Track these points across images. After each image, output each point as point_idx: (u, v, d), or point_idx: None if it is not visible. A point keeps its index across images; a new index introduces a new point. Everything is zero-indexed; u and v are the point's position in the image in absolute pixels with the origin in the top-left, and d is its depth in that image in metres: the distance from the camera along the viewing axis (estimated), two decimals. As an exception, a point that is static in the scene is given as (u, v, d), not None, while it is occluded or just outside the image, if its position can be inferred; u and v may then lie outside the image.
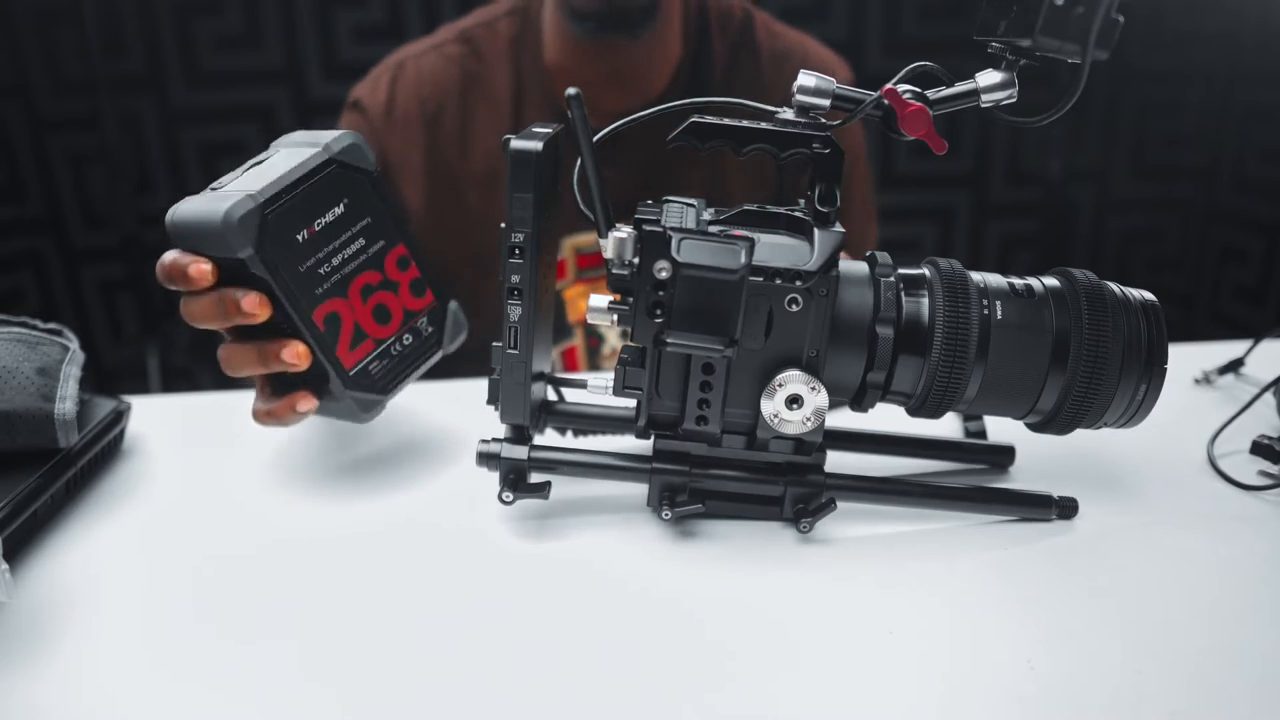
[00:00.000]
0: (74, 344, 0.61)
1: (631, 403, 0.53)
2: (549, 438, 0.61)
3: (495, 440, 0.53)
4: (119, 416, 0.63)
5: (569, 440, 0.61)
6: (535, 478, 0.54)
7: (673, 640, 0.45)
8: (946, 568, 0.50)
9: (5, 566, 0.45)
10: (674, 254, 0.46)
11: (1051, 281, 0.51)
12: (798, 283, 0.47)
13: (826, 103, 0.49)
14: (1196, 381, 0.72)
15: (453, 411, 0.69)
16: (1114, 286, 0.51)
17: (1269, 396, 0.66)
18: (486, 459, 0.53)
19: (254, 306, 0.51)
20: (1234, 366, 0.73)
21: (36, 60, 1.72)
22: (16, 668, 0.44)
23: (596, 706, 0.41)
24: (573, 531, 0.54)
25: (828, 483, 0.53)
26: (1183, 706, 0.40)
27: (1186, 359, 0.72)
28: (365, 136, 0.93)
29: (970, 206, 1.86)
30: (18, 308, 1.89)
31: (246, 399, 0.76)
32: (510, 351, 0.50)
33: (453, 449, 0.64)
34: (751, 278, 0.47)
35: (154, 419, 0.70)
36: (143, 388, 1.79)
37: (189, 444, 0.67)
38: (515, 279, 0.49)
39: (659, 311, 0.47)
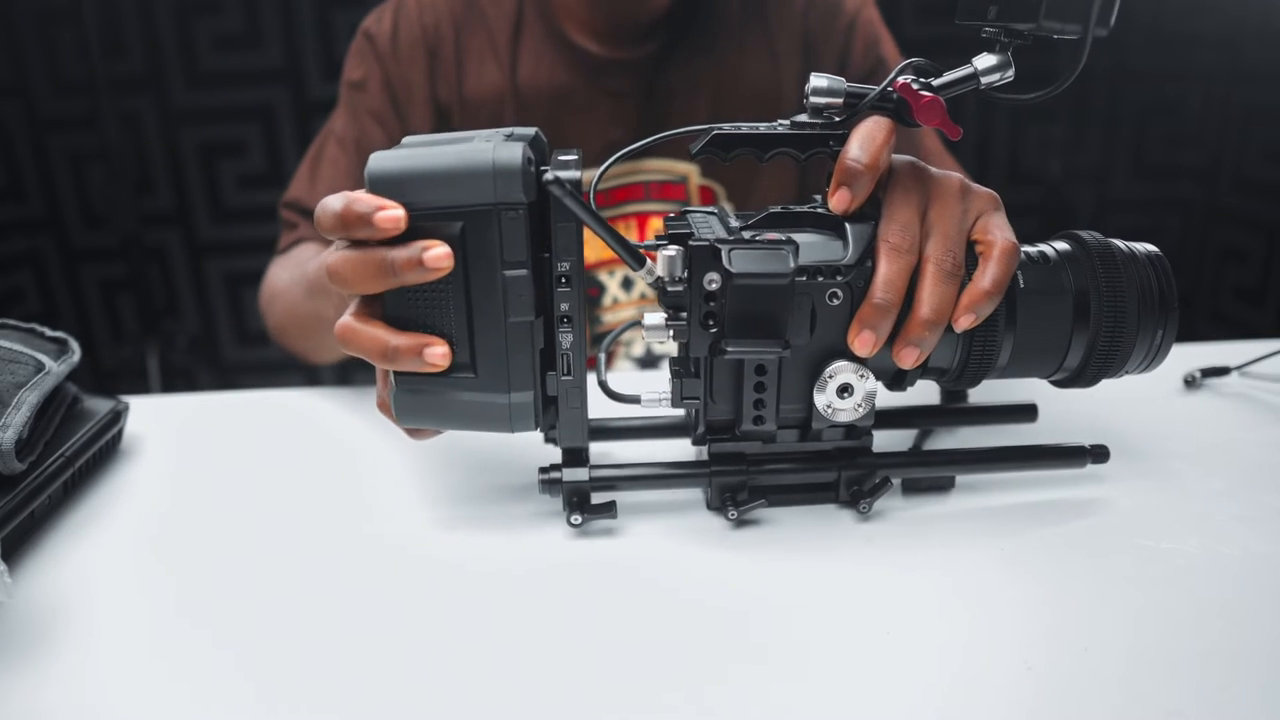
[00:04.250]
0: (53, 363, 0.59)
1: (656, 411, 0.55)
2: (602, 454, 0.61)
3: (555, 466, 0.53)
4: (117, 416, 0.63)
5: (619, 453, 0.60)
6: (597, 497, 0.54)
7: (677, 635, 0.45)
8: (942, 570, 0.50)
9: (4, 566, 0.45)
10: (726, 265, 0.47)
11: (1062, 245, 0.53)
12: (837, 277, 0.49)
13: (840, 101, 0.49)
14: (1187, 383, 0.72)
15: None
16: (1119, 243, 0.53)
17: (1271, 397, 0.66)
18: (549, 485, 0.53)
19: (442, 259, 0.45)
20: (1220, 372, 0.72)
21: (36, 60, 1.72)
22: (15, 668, 0.44)
23: (588, 702, 0.41)
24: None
25: (878, 462, 0.55)
26: (1181, 706, 0.40)
27: (1181, 359, 0.72)
28: (375, 69, 0.92)
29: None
30: (18, 308, 1.89)
31: (246, 399, 0.77)
32: (565, 378, 0.50)
33: (453, 443, 0.64)
34: (795, 278, 0.48)
35: (153, 419, 0.70)
36: (143, 388, 1.79)
37: (188, 444, 0.67)
38: (565, 307, 0.49)
39: (712, 322, 0.49)
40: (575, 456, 0.53)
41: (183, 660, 0.44)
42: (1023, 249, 0.52)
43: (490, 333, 0.48)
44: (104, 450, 0.62)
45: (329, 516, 0.57)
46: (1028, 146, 1.88)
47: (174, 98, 1.76)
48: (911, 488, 0.57)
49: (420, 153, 0.46)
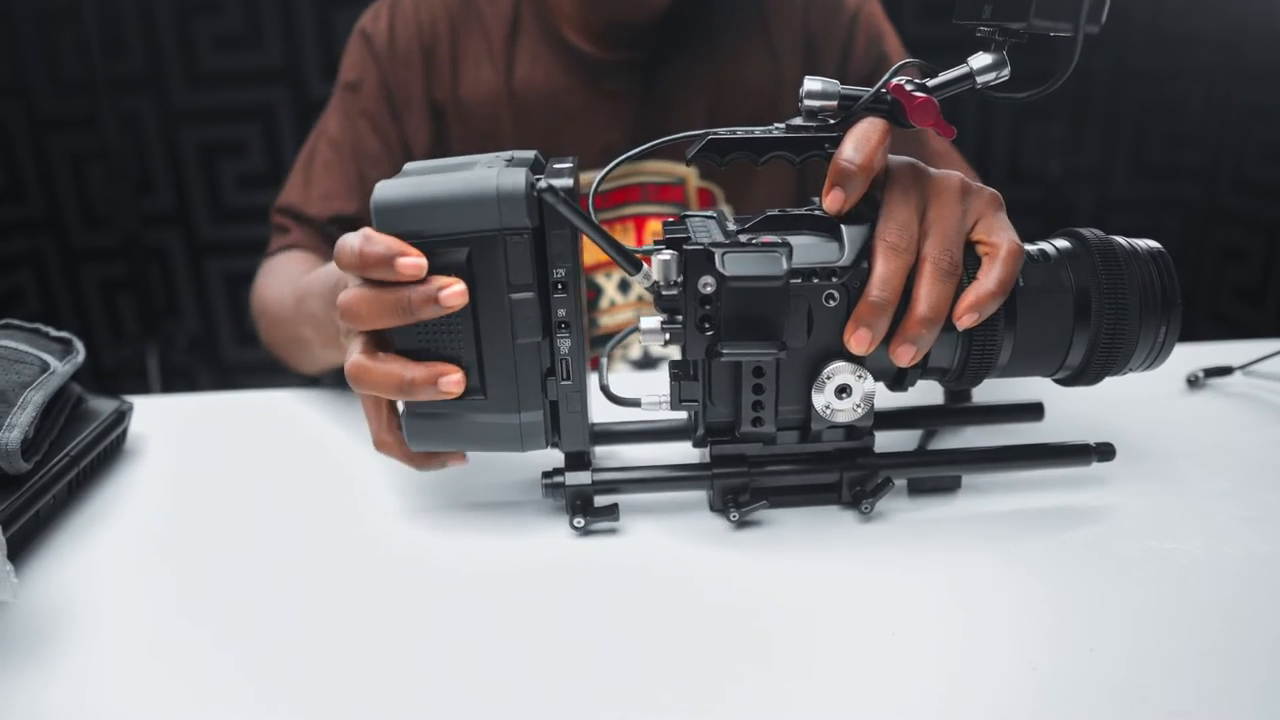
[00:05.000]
0: (58, 363, 0.59)
1: (660, 415, 0.55)
2: (605, 456, 0.61)
3: (557, 470, 0.53)
4: (121, 417, 0.63)
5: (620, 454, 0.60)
6: (600, 500, 0.54)
7: (679, 635, 0.45)
8: (946, 571, 0.50)
9: (9, 566, 0.45)
10: (719, 268, 0.47)
11: (1062, 243, 0.54)
12: (833, 279, 0.49)
13: (834, 104, 0.50)
14: (1190, 383, 0.72)
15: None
16: (1121, 239, 0.53)
17: (1272, 396, 0.66)
18: (552, 489, 0.53)
19: (457, 297, 0.46)
20: (1223, 372, 0.72)
21: (36, 60, 1.72)
22: (20, 667, 0.44)
23: (589, 702, 0.41)
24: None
25: (880, 463, 0.54)
26: (1182, 706, 0.40)
27: (1184, 359, 0.72)
28: (371, 70, 0.91)
29: (970, 206, 1.86)
30: (18, 308, 1.89)
31: (246, 399, 0.77)
32: (565, 383, 0.50)
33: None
34: (790, 280, 0.48)
35: (154, 419, 0.70)
36: (143, 388, 1.79)
37: (190, 444, 0.67)
38: (561, 313, 0.49)
39: (708, 325, 0.49)
40: (577, 460, 0.53)
41: (185, 660, 0.44)
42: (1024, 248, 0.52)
43: (499, 355, 0.49)
44: (108, 450, 0.62)
45: (330, 517, 0.57)
46: (1028, 146, 1.88)
47: (174, 98, 1.76)
48: (917, 489, 0.57)
49: (424, 180, 0.47)
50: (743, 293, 0.47)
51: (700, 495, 0.57)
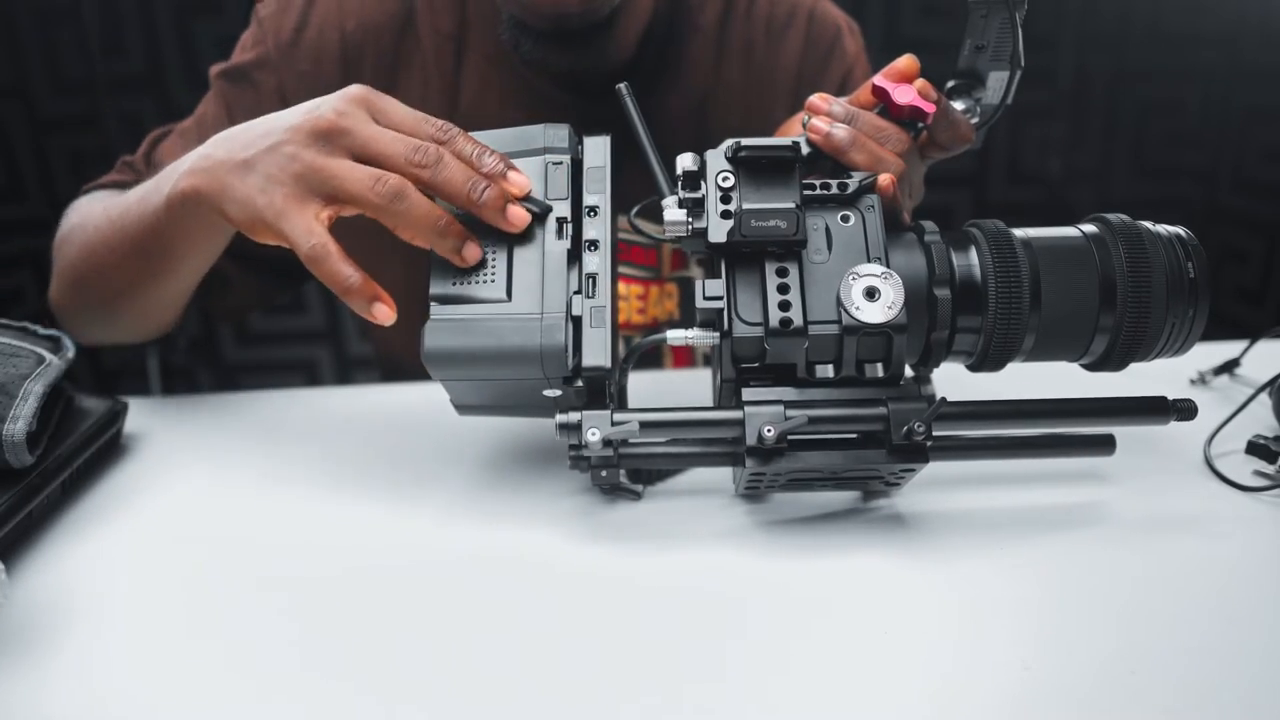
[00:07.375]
0: (53, 357, 0.59)
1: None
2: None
3: (573, 408, 0.50)
4: (115, 416, 0.63)
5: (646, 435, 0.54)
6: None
7: (674, 630, 0.45)
8: (940, 569, 0.50)
9: (1, 566, 0.45)
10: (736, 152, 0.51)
11: (1089, 228, 0.54)
12: (842, 205, 0.51)
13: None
14: (1192, 382, 0.73)
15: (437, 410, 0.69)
16: (1147, 224, 0.54)
17: (1264, 397, 0.66)
18: (578, 462, 0.52)
19: (520, 217, 0.50)
20: (1229, 367, 0.73)
21: (36, 60, 1.72)
22: (13, 668, 0.44)
23: (584, 701, 0.41)
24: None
25: (926, 393, 0.51)
26: (1176, 705, 0.40)
27: (1183, 359, 0.72)
28: (262, 65, 0.78)
29: (970, 206, 1.86)
30: (18, 308, 1.89)
31: (246, 399, 0.77)
32: (589, 300, 0.50)
33: (452, 440, 0.64)
34: (804, 203, 0.51)
35: (153, 419, 0.70)
36: (143, 388, 1.79)
37: (188, 445, 0.67)
38: (592, 234, 0.50)
39: (728, 210, 0.50)
40: (598, 394, 0.50)
41: (181, 661, 0.45)
42: (1048, 232, 0.54)
43: (527, 258, 0.50)
44: (103, 450, 0.62)
45: (328, 517, 0.57)
46: (1028, 146, 1.88)
47: (173, 98, 1.76)
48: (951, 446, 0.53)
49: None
50: (756, 161, 0.50)
51: (702, 487, 0.57)
